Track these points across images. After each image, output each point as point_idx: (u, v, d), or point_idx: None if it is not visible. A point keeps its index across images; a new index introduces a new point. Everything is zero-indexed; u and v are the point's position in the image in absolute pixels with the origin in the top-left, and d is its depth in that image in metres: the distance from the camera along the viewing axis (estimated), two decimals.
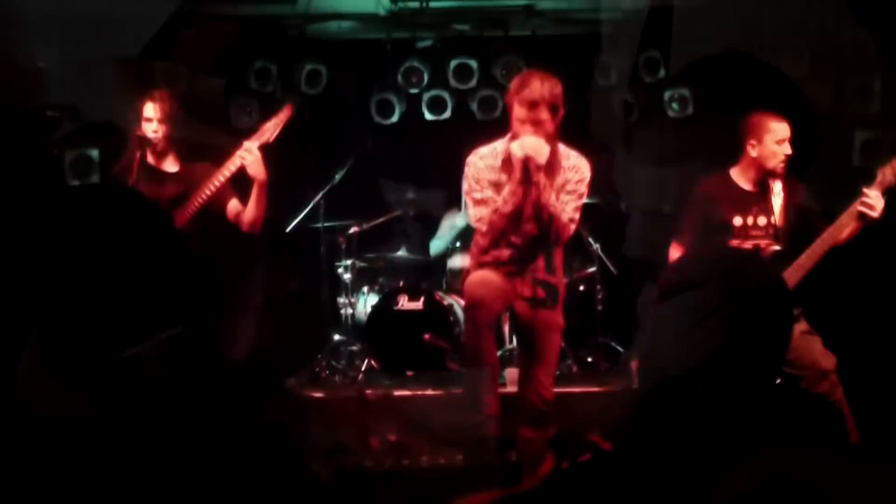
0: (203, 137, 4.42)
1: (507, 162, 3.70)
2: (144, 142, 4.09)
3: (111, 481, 3.72)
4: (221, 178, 4.04)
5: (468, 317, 3.72)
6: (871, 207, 3.86)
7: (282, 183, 6.05)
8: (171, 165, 4.22)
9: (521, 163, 3.58)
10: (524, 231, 3.76)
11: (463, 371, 5.14)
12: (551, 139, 3.65)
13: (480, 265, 3.84)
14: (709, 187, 4.26)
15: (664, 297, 1.72)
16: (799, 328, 3.99)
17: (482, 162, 3.77)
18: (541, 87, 3.60)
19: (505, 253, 3.80)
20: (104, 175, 4.51)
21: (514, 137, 3.68)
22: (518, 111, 3.64)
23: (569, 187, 3.74)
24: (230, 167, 4.03)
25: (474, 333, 3.62)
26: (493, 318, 3.66)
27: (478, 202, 3.74)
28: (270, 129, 4.05)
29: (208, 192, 4.04)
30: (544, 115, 3.61)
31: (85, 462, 3.91)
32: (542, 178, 3.60)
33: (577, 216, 3.80)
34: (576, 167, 3.77)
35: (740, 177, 4.23)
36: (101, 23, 5.51)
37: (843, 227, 3.97)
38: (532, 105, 3.59)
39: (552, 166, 3.71)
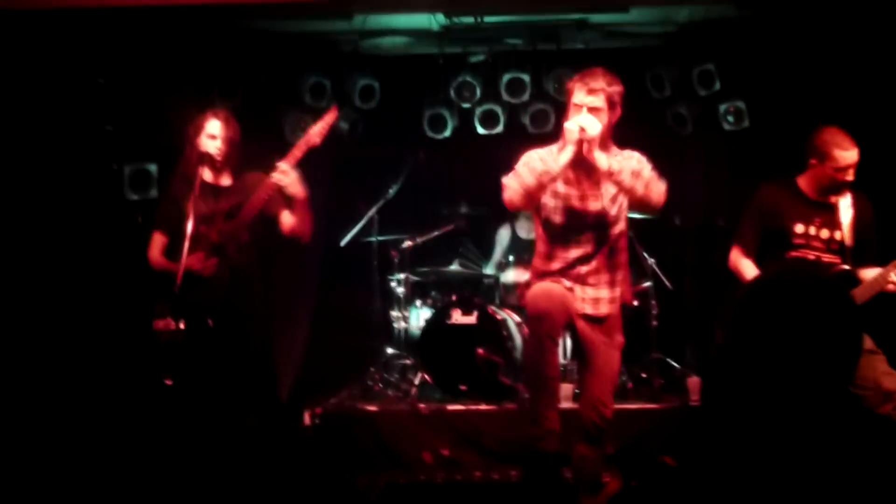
0: (258, 153, 4.47)
1: (565, 141, 3.69)
2: (205, 158, 4.15)
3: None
4: (270, 190, 4.08)
5: (531, 329, 3.68)
6: None
7: (336, 196, 6.15)
8: (226, 180, 4.28)
9: (576, 142, 3.57)
10: (582, 225, 3.74)
11: (519, 385, 5.14)
12: (602, 132, 3.64)
13: (541, 275, 3.82)
14: (772, 191, 4.20)
15: (737, 317, 1.71)
16: (863, 346, 3.90)
17: (535, 154, 3.78)
18: (602, 77, 3.66)
19: (566, 260, 3.77)
20: (163, 190, 4.59)
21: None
22: (577, 96, 3.66)
23: (635, 166, 3.70)
24: (268, 190, 4.06)
25: (536, 346, 3.58)
26: (556, 330, 3.62)
27: (514, 175, 3.74)
28: (317, 133, 4.09)
29: (266, 196, 4.07)
30: (601, 103, 3.63)
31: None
32: (597, 155, 3.59)
33: (658, 178, 3.71)
34: (631, 156, 3.75)
35: (806, 185, 4.16)
36: (157, 41, 5.65)
37: (884, 284, 3.91)
38: (591, 91, 3.63)
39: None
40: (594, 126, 3.58)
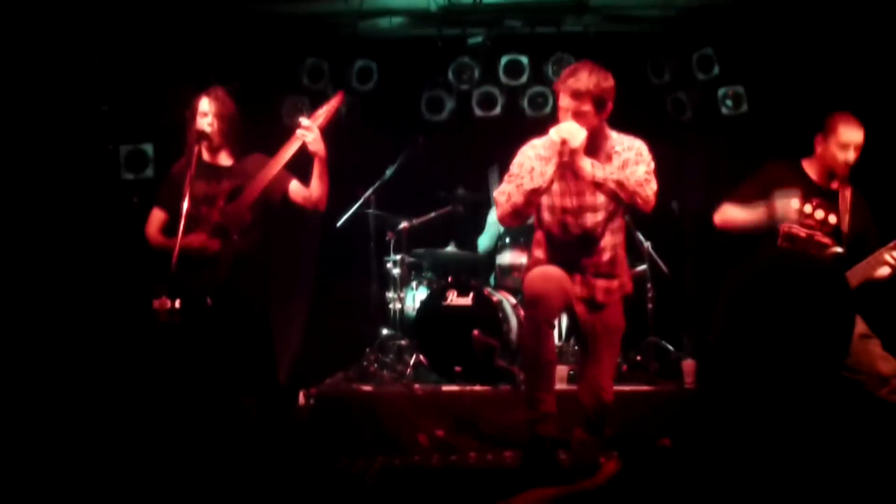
0: (256, 133, 4.46)
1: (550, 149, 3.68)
2: (201, 136, 4.14)
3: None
4: (282, 161, 4.07)
5: (528, 312, 3.68)
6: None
7: (333, 178, 6.14)
8: (225, 160, 4.27)
9: (558, 147, 3.54)
10: (579, 223, 3.73)
11: (515, 368, 5.15)
12: (595, 130, 3.62)
13: (539, 261, 3.82)
14: (777, 167, 4.22)
15: (731, 302, 1.70)
16: (857, 331, 3.91)
17: (532, 151, 3.76)
18: (588, 78, 3.57)
19: (563, 248, 3.77)
20: (164, 170, 4.58)
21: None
22: (563, 100, 3.62)
23: (632, 160, 3.68)
24: (291, 148, 4.05)
25: (533, 330, 3.58)
26: (552, 314, 3.62)
27: (510, 180, 3.73)
28: (322, 115, 4.08)
29: (269, 176, 4.07)
30: (587, 106, 3.57)
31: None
32: (582, 162, 3.56)
33: (651, 177, 3.67)
34: (631, 146, 3.71)
35: (810, 168, 4.20)
36: (154, 22, 5.62)
37: (875, 267, 3.93)
38: (576, 95, 3.56)
39: (606, 154, 3.67)
40: (578, 135, 3.53)
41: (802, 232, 4.02)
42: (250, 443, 4.19)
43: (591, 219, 3.74)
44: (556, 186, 3.72)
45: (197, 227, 4.07)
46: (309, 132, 4.02)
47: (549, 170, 3.59)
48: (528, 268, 3.92)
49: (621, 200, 3.62)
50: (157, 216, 4.29)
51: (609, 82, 3.63)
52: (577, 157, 3.54)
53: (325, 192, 4.20)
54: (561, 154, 3.53)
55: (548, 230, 3.81)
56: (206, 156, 4.23)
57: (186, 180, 3.97)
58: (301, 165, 4.18)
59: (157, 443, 4.20)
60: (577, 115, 3.57)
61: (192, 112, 4.21)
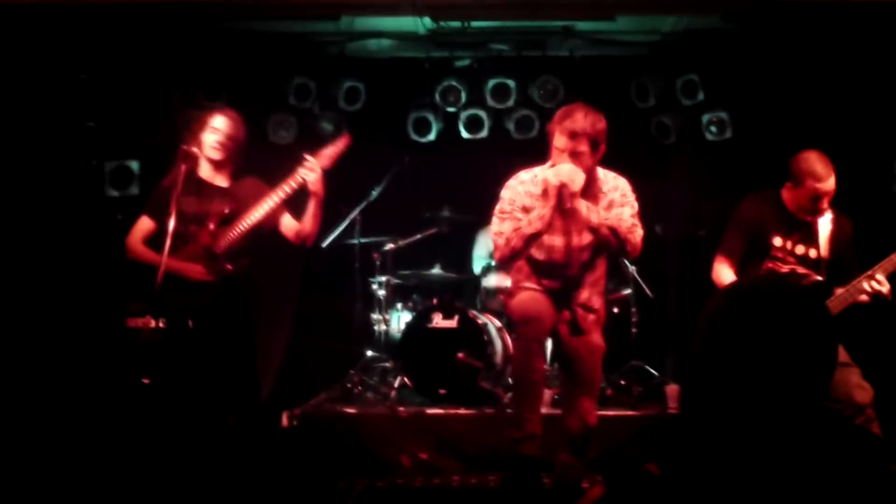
0: (250, 155, 4.43)
1: (547, 192, 3.70)
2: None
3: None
4: (281, 195, 4.06)
5: (519, 333, 3.70)
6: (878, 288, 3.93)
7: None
8: (221, 181, 4.23)
9: (556, 190, 3.57)
10: (575, 259, 3.76)
11: (499, 390, 5.14)
12: (589, 171, 3.66)
13: (526, 288, 3.83)
14: (756, 203, 4.23)
15: (711, 326, 1.72)
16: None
17: (521, 187, 3.77)
18: (584, 119, 3.61)
19: (554, 279, 3.79)
20: (149, 187, 4.55)
21: (552, 166, 3.69)
22: (558, 140, 3.64)
23: (617, 201, 3.74)
24: (291, 184, 4.04)
25: (524, 350, 3.61)
26: (543, 335, 3.66)
27: (503, 218, 3.75)
28: (328, 156, 4.08)
29: (265, 212, 4.06)
30: (583, 147, 3.61)
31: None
32: (579, 205, 3.59)
33: (637, 221, 3.77)
34: (616, 186, 3.79)
35: (789, 197, 4.19)
36: (140, 39, 5.62)
37: (855, 296, 3.97)
38: (573, 136, 3.59)
39: (593, 194, 3.71)
40: (577, 178, 3.58)
41: (784, 269, 4.05)
42: (232, 462, 4.15)
43: (576, 257, 3.79)
44: (556, 239, 3.77)
45: (183, 246, 4.04)
46: (311, 172, 4.01)
47: (547, 213, 3.63)
48: (511, 292, 3.93)
49: (610, 245, 3.67)
50: (143, 225, 4.20)
51: (603, 124, 3.69)
52: (577, 198, 3.58)
53: (315, 230, 4.20)
54: (561, 198, 3.56)
55: (533, 260, 3.83)
56: (203, 172, 4.19)
57: (173, 200, 3.93)
58: (295, 197, 4.16)
59: (138, 460, 4.16)
60: (574, 156, 3.60)
61: (201, 126, 4.17)
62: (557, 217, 3.71)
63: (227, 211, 4.12)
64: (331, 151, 4.10)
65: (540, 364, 3.62)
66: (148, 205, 4.25)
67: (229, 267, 4.09)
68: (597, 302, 3.86)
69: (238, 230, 4.08)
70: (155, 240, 4.14)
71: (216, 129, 4.14)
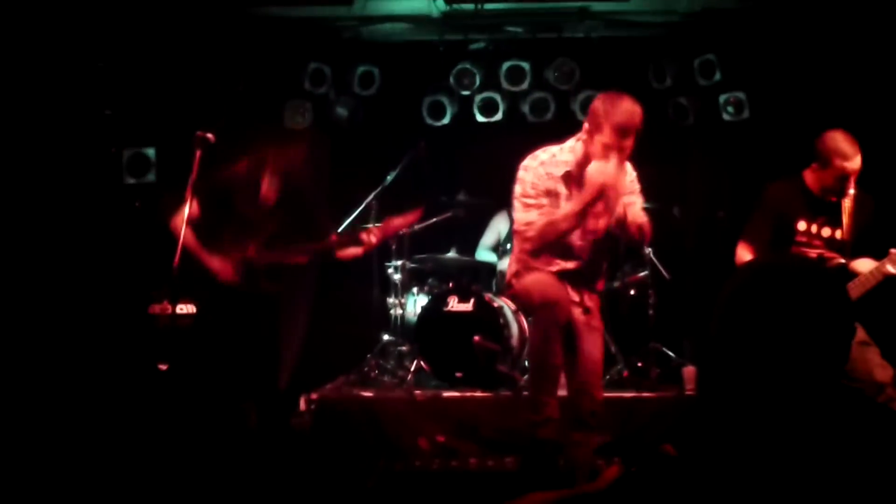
0: (257, 138, 4.44)
1: (569, 175, 3.67)
2: (204, 143, 4.08)
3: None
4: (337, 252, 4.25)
5: (539, 316, 3.67)
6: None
7: (334, 184, 6.15)
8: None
9: (598, 189, 3.52)
10: (595, 247, 3.76)
11: (516, 373, 5.15)
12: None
13: (539, 269, 3.80)
14: (780, 189, 4.19)
15: (729, 306, 1.71)
16: (856, 338, 3.91)
17: (542, 169, 3.72)
18: (633, 114, 3.54)
19: (570, 264, 3.78)
20: (166, 174, 4.57)
21: (588, 156, 3.62)
22: (607, 135, 3.53)
23: (628, 189, 3.73)
24: (350, 249, 4.25)
25: (542, 333, 3.59)
26: (563, 318, 3.62)
27: (529, 206, 3.70)
28: (393, 228, 4.31)
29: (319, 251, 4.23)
30: (630, 141, 3.57)
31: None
32: (614, 201, 3.59)
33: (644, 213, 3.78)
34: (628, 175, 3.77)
35: (812, 180, 4.14)
36: (157, 26, 5.64)
37: (878, 278, 3.92)
38: (624, 133, 3.53)
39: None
40: (621, 178, 3.58)
41: (812, 253, 4.01)
42: (249, 447, 4.19)
43: (592, 241, 3.78)
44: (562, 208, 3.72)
45: (231, 246, 4.06)
46: (372, 240, 4.16)
47: (582, 209, 3.59)
48: (519, 272, 3.88)
49: (630, 235, 3.67)
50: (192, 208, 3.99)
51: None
52: (618, 202, 3.58)
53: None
54: (605, 198, 3.54)
55: (543, 242, 3.79)
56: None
57: (188, 192, 3.85)
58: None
59: (156, 446, 4.20)
60: (622, 151, 3.56)
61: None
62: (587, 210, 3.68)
63: (274, 235, 4.15)
64: (398, 223, 4.17)
65: (558, 348, 3.60)
66: (196, 187, 3.96)
67: (265, 285, 4.12)
68: (601, 284, 3.91)
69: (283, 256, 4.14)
70: (198, 227, 4.08)
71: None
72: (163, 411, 4.20)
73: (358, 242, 4.17)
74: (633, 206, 3.71)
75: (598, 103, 3.59)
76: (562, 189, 3.68)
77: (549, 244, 3.72)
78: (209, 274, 4.02)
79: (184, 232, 3.87)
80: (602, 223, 3.74)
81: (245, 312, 4.10)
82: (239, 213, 4.05)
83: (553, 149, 3.77)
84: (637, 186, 3.80)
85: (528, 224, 3.70)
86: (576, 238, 3.75)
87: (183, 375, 4.01)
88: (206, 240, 4.02)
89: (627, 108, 3.53)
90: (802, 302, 1.69)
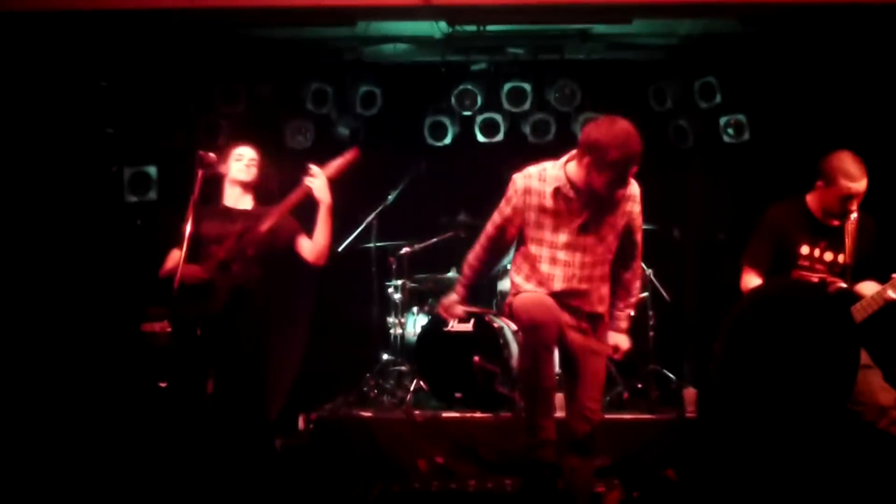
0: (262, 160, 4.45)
1: (558, 192, 3.63)
2: (205, 161, 4.11)
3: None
4: (289, 206, 4.09)
5: (526, 339, 3.62)
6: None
7: (335, 203, 6.15)
8: (246, 203, 4.30)
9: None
10: (589, 271, 3.73)
11: (515, 394, 5.12)
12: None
13: (529, 291, 3.76)
14: (782, 212, 4.15)
15: (734, 331, 1.71)
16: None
17: (528, 181, 3.67)
18: (639, 143, 3.48)
19: (561, 286, 3.74)
20: (168, 192, 4.58)
21: (584, 181, 3.60)
22: (616, 168, 3.46)
23: (636, 213, 3.73)
24: (298, 194, 4.09)
25: (532, 356, 3.54)
26: (552, 339, 3.58)
27: (493, 218, 3.82)
28: (335, 168, 4.11)
29: (275, 218, 4.09)
30: (635, 167, 3.54)
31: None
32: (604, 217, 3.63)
33: (639, 244, 3.83)
34: (633, 194, 3.72)
35: (814, 205, 4.11)
36: (158, 46, 5.67)
37: (879, 303, 3.90)
38: (632, 162, 3.49)
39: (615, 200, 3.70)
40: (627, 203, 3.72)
41: (814, 277, 3.99)
42: (237, 469, 4.15)
43: (587, 273, 3.71)
44: (561, 239, 3.66)
45: (203, 262, 4.06)
46: (315, 179, 4.05)
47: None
48: (514, 293, 3.81)
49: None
50: (173, 255, 4.20)
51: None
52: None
53: (327, 245, 4.19)
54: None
55: (538, 264, 3.76)
56: (228, 200, 4.28)
57: (190, 206, 3.94)
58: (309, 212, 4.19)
59: (145, 462, 4.19)
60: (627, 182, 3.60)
61: (224, 158, 4.24)
62: (576, 235, 3.65)
63: (244, 228, 4.14)
64: (338, 163, 4.14)
65: (549, 369, 3.55)
66: (177, 237, 4.18)
67: (235, 268, 4.10)
68: (603, 306, 3.78)
69: (249, 239, 4.10)
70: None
71: (241, 156, 4.26)
72: (153, 429, 4.19)
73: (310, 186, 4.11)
74: (633, 244, 3.78)
75: (608, 138, 3.48)
76: (549, 203, 3.65)
77: (537, 268, 3.70)
78: (193, 293, 4.01)
79: (184, 251, 3.89)
80: (597, 252, 3.71)
81: (227, 334, 4.07)
82: (207, 235, 4.08)
83: (546, 164, 3.75)
84: (638, 208, 3.76)
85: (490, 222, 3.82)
86: (567, 260, 3.70)
87: (173, 394, 4.00)
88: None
89: (635, 143, 3.46)
90: (808, 328, 1.69)
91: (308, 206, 4.16)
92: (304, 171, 4.10)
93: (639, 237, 3.81)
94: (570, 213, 3.63)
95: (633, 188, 3.72)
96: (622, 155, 3.44)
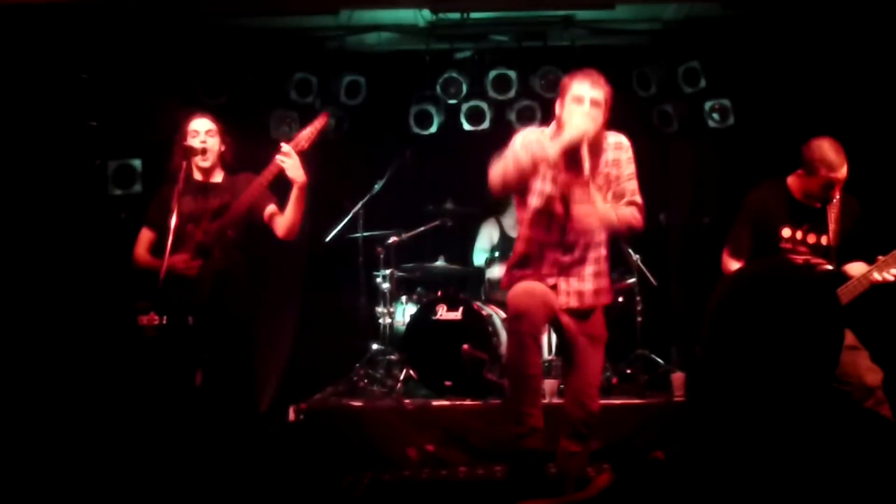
0: (244, 148, 4.46)
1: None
2: (189, 153, 4.15)
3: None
4: (264, 183, 4.09)
5: (511, 328, 3.63)
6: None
7: (321, 193, 6.14)
8: (216, 178, 4.30)
9: (574, 134, 3.49)
10: (575, 241, 3.72)
11: (505, 382, 5.14)
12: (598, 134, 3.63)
13: (520, 278, 3.77)
14: (762, 194, 4.18)
15: (719, 312, 1.72)
16: (846, 342, 3.91)
17: (531, 134, 3.71)
18: (601, 76, 3.61)
19: (552, 265, 3.74)
20: (152, 185, 4.59)
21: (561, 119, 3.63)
22: (579, 87, 3.57)
23: (623, 161, 3.69)
24: (270, 170, 4.07)
25: (517, 345, 3.55)
26: (537, 329, 3.58)
27: (506, 155, 3.64)
28: (305, 137, 4.09)
29: (251, 197, 4.09)
30: (602, 97, 3.57)
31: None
32: (584, 157, 3.52)
33: (637, 194, 3.72)
34: (619, 144, 3.70)
35: (795, 188, 4.14)
36: (141, 37, 5.63)
37: (865, 285, 3.94)
38: (595, 84, 3.58)
39: (596, 149, 3.65)
40: (596, 120, 3.55)
41: (798, 259, 4.02)
42: (227, 458, 4.17)
43: (577, 238, 3.71)
44: (550, 189, 3.68)
45: (182, 246, 4.07)
46: (287, 158, 4.02)
47: (557, 146, 3.50)
48: (507, 283, 3.84)
49: (621, 233, 3.70)
50: (145, 236, 4.32)
51: (611, 89, 3.65)
52: (587, 143, 3.52)
53: (296, 222, 4.16)
54: (578, 135, 3.48)
55: (534, 233, 3.76)
56: (197, 175, 4.27)
57: (174, 197, 3.98)
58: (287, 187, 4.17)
59: (138, 455, 4.18)
60: (594, 104, 3.57)
61: (183, 132, 4.23)
62: (571, 179, 3.63)
63: (219, 204, 4.15)
64: (307, 133, 4.11)
65: (535, 358, 3.55)
66: (147, 216, 4.34)
67: (217, 254, 4.10)
68: (594, 288, 3.77)
69: (227, 220, 4.11)
70: (157, 247, 4.23)
71: (196, 132, 4.24)
72: (146, 421, 4.19)
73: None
74: (620, 206, 3.68)
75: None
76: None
77: (534, 254, 3.70)
78: (177, 283, 4.02)
79: (169, 244, 3.90)
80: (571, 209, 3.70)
81: (214, 321, 4.08)
82: (182, 212, 4.07)
83: (545, 128, 3.78)
84: (632, 167, 3.72)
85: (501, 159, 3.62)
86: (554, 237, 3.71)
87: (166, 387, 4.01)
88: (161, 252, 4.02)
89: (585, 69, 3.61)
90: (792, 308, 1.70)
91: (284, 182, 4.15)
92: (276, 150, 4.08)
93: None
94: (569, 183, 3.63)
95: (618, 139, 3.73)
96: (576, 76, 3.59)
